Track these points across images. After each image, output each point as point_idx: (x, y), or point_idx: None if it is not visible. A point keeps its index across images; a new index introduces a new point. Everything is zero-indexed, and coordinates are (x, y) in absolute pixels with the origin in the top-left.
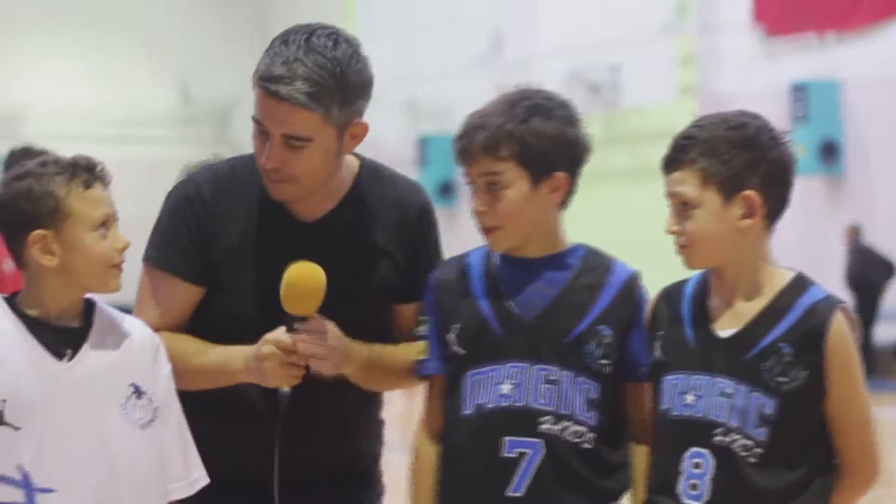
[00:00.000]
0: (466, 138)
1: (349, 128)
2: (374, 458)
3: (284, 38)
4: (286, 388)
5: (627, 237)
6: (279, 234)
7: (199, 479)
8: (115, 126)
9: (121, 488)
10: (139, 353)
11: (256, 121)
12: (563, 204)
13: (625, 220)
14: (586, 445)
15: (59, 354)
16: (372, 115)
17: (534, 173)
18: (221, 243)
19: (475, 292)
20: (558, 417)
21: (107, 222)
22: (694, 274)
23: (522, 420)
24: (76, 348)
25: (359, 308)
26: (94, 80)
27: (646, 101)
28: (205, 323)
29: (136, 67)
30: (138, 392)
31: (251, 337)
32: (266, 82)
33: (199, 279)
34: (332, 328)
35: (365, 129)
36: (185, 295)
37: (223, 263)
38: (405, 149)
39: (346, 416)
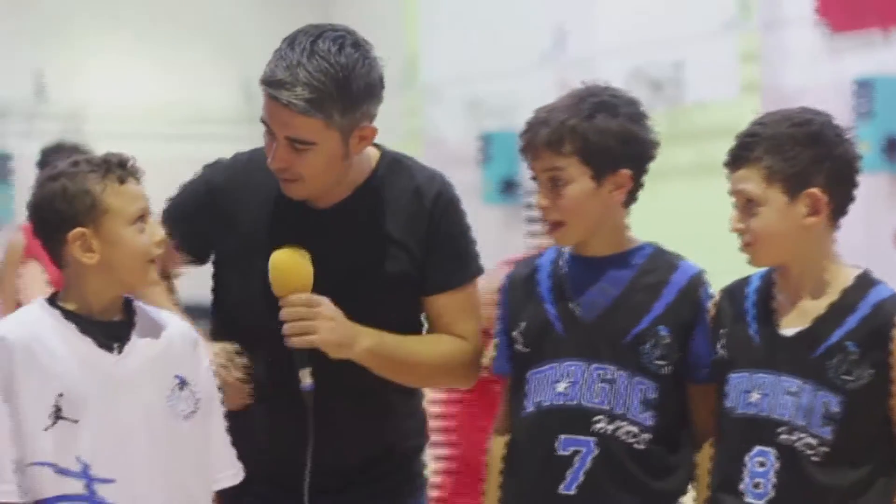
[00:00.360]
0: (531, 133)
1: (355, 131)
2: (413, 451)
3: (291, 41)
4: (308, 383)
5: (691, 234)
6: (293, 220)
7: (241, 469)
8: (178, 124)
9: (172, 477)
10: (180, 346)
11: (263, 121)
12: (629, 202)
13: (689, 217)
14: (640, 446)
15: (108, 347)
16: (435, 111)
17: (596, 170)
18: (235, 229)
19: (541, 291)
20: (612, 417)
21: (143, 216)
22: (757, 271)
23: (576, 419)
24: (123, 341)
25: (373, 297)
26: (157, 77)
27: (708, 98)
28: (221, 308)
29: (200, 65)
30: (182, 384)
31: (266, 322)
32: (269, 86)
33: (192, 250)
34: (325, 304)
35: (373, 131)
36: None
37: (238, 249)
38: (467, 146)
39: (378, 410)
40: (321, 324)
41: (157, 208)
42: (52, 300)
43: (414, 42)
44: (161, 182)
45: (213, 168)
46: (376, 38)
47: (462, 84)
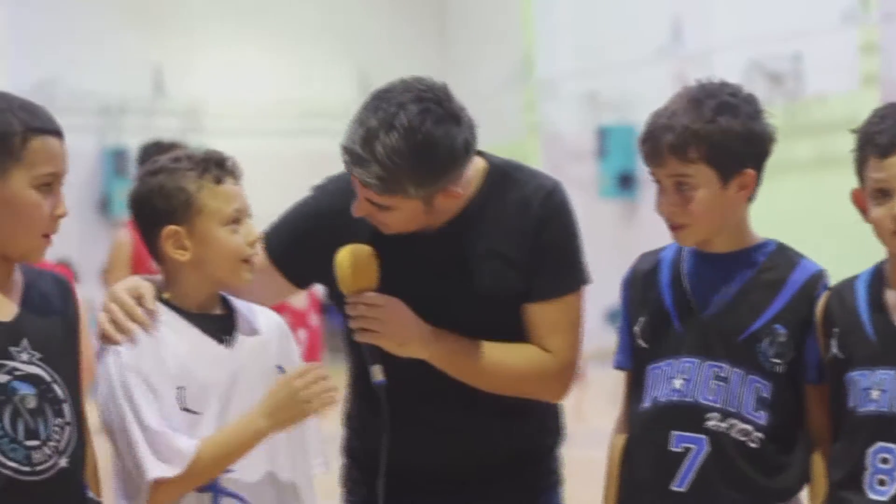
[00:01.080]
0: (653, 139)
1: (438, 195)
2: (548, 449)
3: (376, 104)
4: (380, 378)
5: (810, 228)
6: (399, 246)
7: (329, 459)
8: (296, 119)
9: (283, 466)
10: (276, 336)
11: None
12: (751, 198)
13: (808, 211)
14: (753, 444)
15: (219, 339)
16: (551, 106)
17: (723, 172)
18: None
19: (662, 287)
20: (725, 415)
21: (238, 217)
22: (864, 269)
23: (690, 415)
24: (230, 334)
25: (483, 314)
26: (274, 73)
27: (827, 91)
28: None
29: (316, 61)
30: (281, 373)
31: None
32: (346, 155)
33: (292, 275)
34: (390, 303)
35: (456, 195)
36: (273, 283)
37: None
38: (585, 140)
39: (518, 410)
40: (385, 324)
41: (270, 202)
42: (161, 297)
43: (530, 37)
44: (276, 177)
45: (322, 192)
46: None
47: (578, 78)
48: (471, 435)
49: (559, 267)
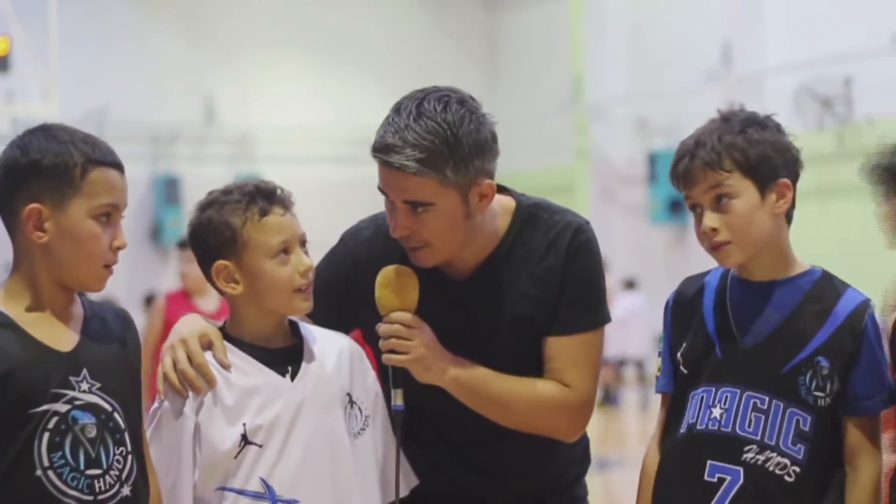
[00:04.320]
0: (686, 159)
1: (473, 188)
2: (576, 477)
3: (398, 107)
4: (399, 403)
5: (862, 253)
6: (431, 293)
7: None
8: (347, 145)
9: (351, 495)
10: (348, 364)
11: (381, 190)
12: (788, 218)
13: (859, 235)
14: (788, 478)
15: (282, 373)
16: (601, 131)
17: (759, 181)
18: (372, 303)
19: (705, 312)
20: (763, 447)
21: (286, 248)
22: None
23: (727, 446)
24: (295, 365)
25: (512, 357)
26: (324, 99)
27: (878, 114)
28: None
29: (368, 86)
30: (351, 402)
31: (410, 390)
32: (379, 152)
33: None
34: (424, 328)
35: (492, 188)
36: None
37: (375, 322)
38: (635, 165)
39: (545, 440)
40: (415, 346)
41: (322, 228)
42: (224, 329)
43: (580, 62)
44: (327, 203)
45: (355, 240)
46: (543, 59)
47: (628, 103)
48: (499, 465)
49: (584, 302)
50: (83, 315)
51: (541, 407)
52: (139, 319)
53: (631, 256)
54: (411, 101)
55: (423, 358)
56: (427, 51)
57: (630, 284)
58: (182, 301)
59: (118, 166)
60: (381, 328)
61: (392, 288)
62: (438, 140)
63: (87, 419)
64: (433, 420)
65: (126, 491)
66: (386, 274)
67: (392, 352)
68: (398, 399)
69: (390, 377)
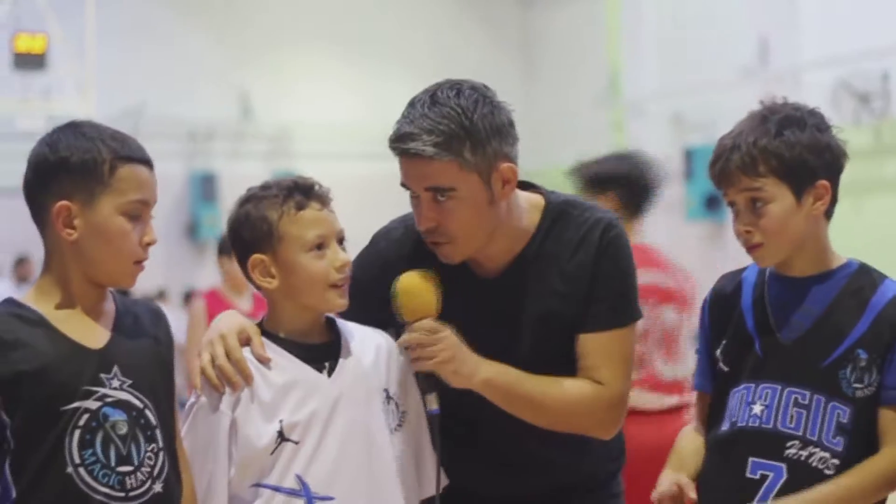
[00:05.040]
0: (722, 160)
1: (494, 172)
2: (611, 474)
3: (412, 101)
4: (434, 408)
5: None
6: (461, 293)
7: (442, 480)
8: (383, 142)
9: (388, 491)
10: (385, 360)
11: (403, 185)
12: (829, 214)
13: None
14: (829, 472)
15: (319, 369)
16: (638, 127)
17: (795, 186)
18: None
19: (744, 309)
20: (805, 443)
21: (322, 243)
22: None
23: (769, 443)
24: (332, 361)
25: (544, 355)
26: (361, 96)
27: None
28: None
29: (401, 84)
30: (388, 397)
31: (443, 391)
32: (397, 142)
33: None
34: (448, 332)
35: (514, 170)
36: None
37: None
38: (671, 161)
39: (579, 438)
40: (440, 351)
41: (357, 225)
42: (260, 325)
43: (616, 58)
44: (365, 200)
45: (386, 241)
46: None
47: (665, 99)
48: (534, 463)
49: (616, 298)
50: (115, 312)
51: (574, 406)
52: (177, 315)
53: (666, 252)
54: (425, 94)
55: (450, 361)
56: (463, 47)
57: None
58: (219, 299)
59: (147, 162)
60: (404, 339)
61: (410, 295)
62: (454, 123)
63: (118, 416)
64: (468, 419)
65: (158, 487)
66: (403, 281)
67: (419, 359)
68: (433, 404)
69: (421, 383)
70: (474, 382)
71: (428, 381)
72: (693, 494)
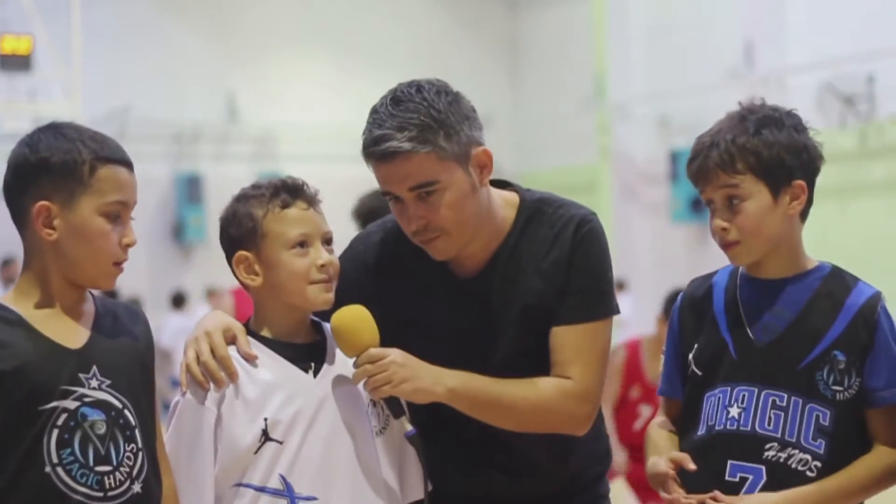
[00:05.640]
0: (700, 158)
1: (470, 158)
2: (598, 476)
3: (374, 108)
4: (409, 429)
5: (885, 252)
6: (439, 293)
7: (429, 483)
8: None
9: (371, 492)
10: None
11: (385, 193)
12: (803, 216)
13: (883, 233)
14: (810, 473)
15: (304, 369)
16: (624, 129)
17: (772, 184)
18: (387, 308)
19: (717, 312)
20: (783, 444)
21: (305, 241)
22: None
23: (748, 445)
24: (318, 362)
25: (520, 349)
26: (345, 100)
27: None
28: None
29: (387, 87)
30: (372, 400)
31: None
32: (371, 147)
33: None
34: (393, 354)
35: (488, 154)
36: None
37: (392, 326)
38: (657, 163)
39: (565, 442)
40: (392, 375)
41: (344, 226)
42: (246, 325)
43: (602, 60)
44: (348, 201)
45: (365, 245)
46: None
47: (651, 101)
48: (519, 464)
49: (589, 292)
50: (94, 312)
51: (543, 404)
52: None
53: (652, 255)
54: (385, 98)
55: (406, 380)
56: (448, 50)
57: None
58: (246, 296)
59: (127, 164)
60: (354, 375)
61: (345, 333)
62: (423, 116)
63: (96, 416)
64: (450, 422)
65: (137, 488)
66: (333, 322)
67: (375, 389)
68: (406, 425)
69: (387, 410)
70: (438, 394)
71: (393, 407)
72: (692, 465)
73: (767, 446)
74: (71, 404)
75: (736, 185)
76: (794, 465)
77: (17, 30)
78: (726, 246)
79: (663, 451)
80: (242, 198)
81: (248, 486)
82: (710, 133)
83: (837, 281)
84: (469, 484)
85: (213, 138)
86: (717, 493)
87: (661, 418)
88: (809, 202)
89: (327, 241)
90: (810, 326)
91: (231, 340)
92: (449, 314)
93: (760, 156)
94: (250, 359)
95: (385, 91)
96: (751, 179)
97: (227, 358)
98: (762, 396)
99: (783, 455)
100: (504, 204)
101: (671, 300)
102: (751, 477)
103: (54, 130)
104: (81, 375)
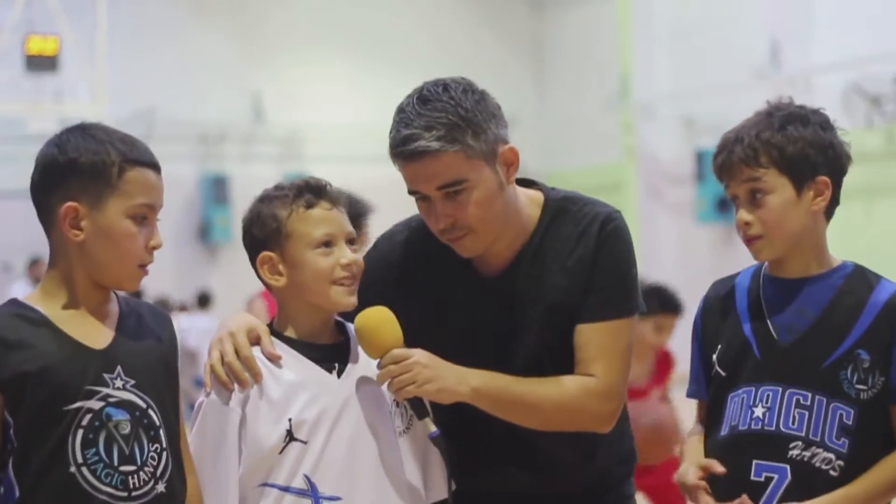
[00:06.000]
0: (725, 152)
1: (497, 156)
2: (624, 476)
3: (400, 107)
4: (433, 430)
5: None
6: (463, 291)
7: (452, 482)
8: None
9: (395, 492)
10: None
11: (412, 192)
12: (828, 215)
13: None
14: (834, 472)
15: (328, 369)
16: (649, 129)
17: (796, 179)
18: (411, 307)
19: (739, 313)
20: (808, 443)
21: (329, 241)
22: None
23: (772, 444)
24: (342, 362)
25: (545, 348)
26: (370, 99)
27: None
28: None
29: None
30: (397, 400)
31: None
32: (399, 147)
33: None
34: (416, 354)
35: (514, 152)
36: None
37: (417, 325)
38: (682, 164)
39: (590, 441)
40: (416, 375)
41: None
42: (270, 325)
43: (628, 60)
44: (373, 201)
45: (389, 244)
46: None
47: (676, 101)
48: (544, 462)
49: (613, 290)
50: (118, 312)
51: (566, 403)
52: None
53: (677, 255)
54: (412, 97)
55: (430, 381)
56: (473, 50)
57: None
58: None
59: (155, 166)
60: (378, 377)
61: (369, 333)
62: (451, 115)
63: (120, 416)
64: (473, 421)
65: (161, 487)
66: (357, 323)
67: (399, 390)
68: (430, 427)
69: (410, 411)
70: (462, 394)
71: (417, 407)
72: (721, 468)
73: (792, 445)
74: (95, 404)
75: (759, 178)
76: (817, 464)
77: (44, 30)
78: (749, 241)
79: (692, 461)
80: (266, 198)
81: (272, 486)
82: (736, 129)
83: (860, 279)
84: (493, 482)
85: (238, 139)
86: (744, 497)
87: (695, 426)
88: (835, 202)
89: (350, 240)
90: (834, 325)
91: (255, 341)
92: (473, 313)
93: (784, 150)
94: (274, 359)
95: (410, 91)
96: (774, 173)
97: (251, 358)
98: (786, 396)
99: (807, 454)
100: (529, 202)
101: (648, 296)
102: (776, 476)
103: (83, 131)
104: (106, 375)
